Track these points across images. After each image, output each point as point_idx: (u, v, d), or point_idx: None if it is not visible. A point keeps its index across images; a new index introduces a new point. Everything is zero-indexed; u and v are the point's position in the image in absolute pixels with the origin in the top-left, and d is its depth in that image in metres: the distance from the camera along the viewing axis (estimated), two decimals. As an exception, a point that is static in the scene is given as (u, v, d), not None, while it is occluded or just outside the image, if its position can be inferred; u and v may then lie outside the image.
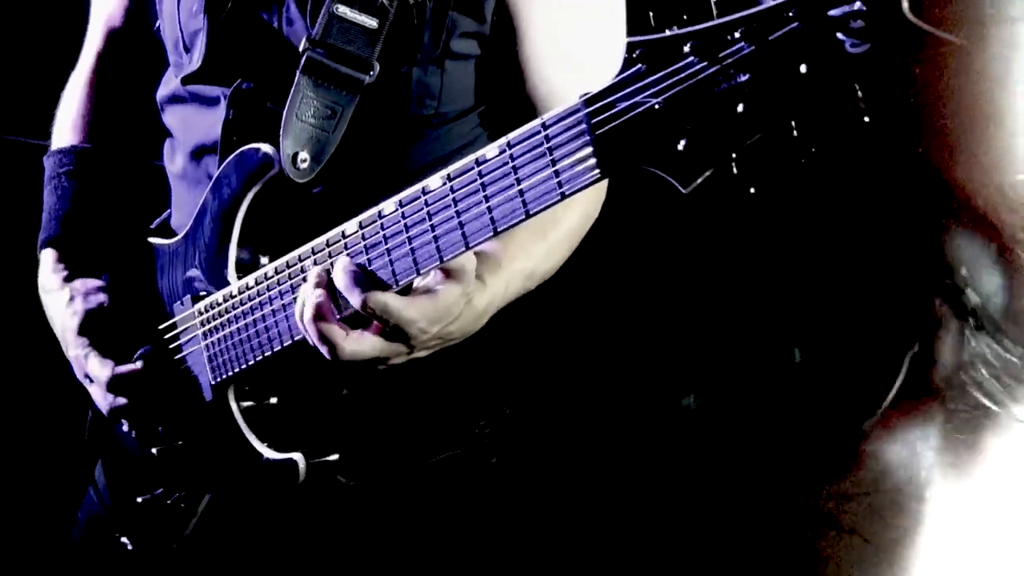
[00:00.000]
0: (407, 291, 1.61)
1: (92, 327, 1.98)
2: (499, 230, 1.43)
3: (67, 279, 2.04)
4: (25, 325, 3.16)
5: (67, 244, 2.07)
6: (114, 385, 1.94)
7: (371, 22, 1.77)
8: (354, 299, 1.57)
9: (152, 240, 2.02)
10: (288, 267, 1.72)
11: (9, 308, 3.18)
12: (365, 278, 1.58)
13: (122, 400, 1.96)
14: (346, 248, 1.63)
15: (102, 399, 1.98)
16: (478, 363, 1.92)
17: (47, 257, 2.09)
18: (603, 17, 1.83)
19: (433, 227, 1.50)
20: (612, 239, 1.96)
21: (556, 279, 1.89)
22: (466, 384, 1.94)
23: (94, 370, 1.95)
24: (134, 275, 2.02)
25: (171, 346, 1.95)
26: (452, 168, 1.49)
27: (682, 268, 2.70)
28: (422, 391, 1.90)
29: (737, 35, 1.19)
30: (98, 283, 2.02)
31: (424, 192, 1.52)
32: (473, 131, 1.90)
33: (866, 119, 1.17)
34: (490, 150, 1.44)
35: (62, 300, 2.02)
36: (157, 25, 2.12)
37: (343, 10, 1.77)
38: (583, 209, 1.86)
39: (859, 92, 1.16)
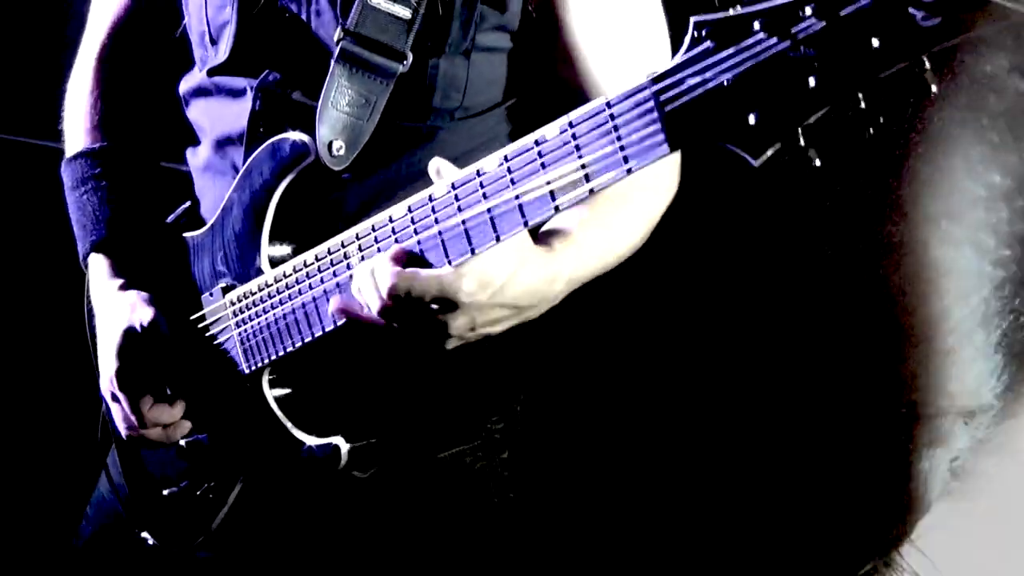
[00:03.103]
0: None
1: (131, 352, 1.96)
2: (561, 207, 1.45)
3: (122, 287, 2.02)
4: (30, 321, 3.15)
5: (115, 247, 2.06)
6: (132, 437, 2.00)
7: (404, 12, 1.79)
8: (384, 287, 1.57)
9: (183, 234, 2.02)
10: (330, 253, 1.74)
11: (12, 304, 3.16)
12: (399, 267, 1.58)
13: (136, 439, 2.00)
14: (393, 232, 1.64)
15: (120, 425, 2.00)
16: (493, 358, 1.94)
17: (99, 263, 2.06)
18: (642, 7, 1.86)
19: (489, 208, 1.52)
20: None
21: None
22: (481, 380, 1.96)
23: (118, 410, 1.98)
24: (169, 271, 2.02)
25: (202, 337, 1.95)
26: (509, 149, 1.51)
27: (695, 266, 2.73)
28: (438, 385, 1.91)
29: (808, 11, 1.23)
30: (147, 296, 1.99)
31: (479, 174, 1.54)
32: (497, 126, 1.93)
33: (934, 90, 1.22)
34: (550, 129, 1.46)
35: (113, 312, 2.00)
36: (169, 20, 2.13)
37: (377, 0, 1.79)
38: (657, 190, 1.85)
39: (928, 64, 1.21)
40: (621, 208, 1.76)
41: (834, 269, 2.59)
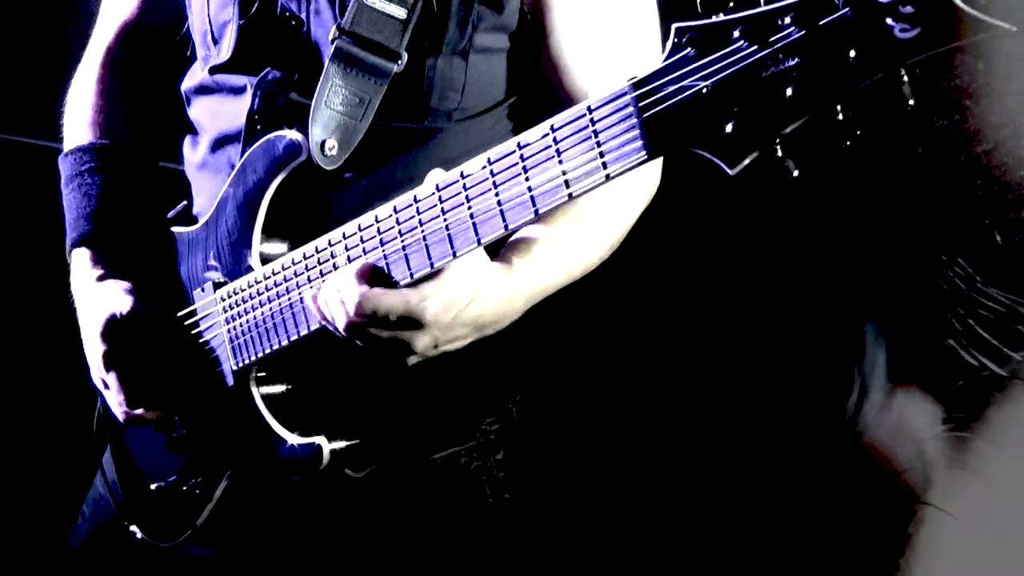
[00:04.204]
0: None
1: (118, 333, 1.97)
2: (540, 211, 1.46)
3: (101, 279, 2.03)
4: (28, 321, 3.17)
5: (100, 242, 2.07)
6: (129, 418, 2.00)
7: (399, 12, 1.79)
8: (351, 305, 1.61)
9: (174, 229, 2.03)
10: (317, 251, 1.74)
11: (10, 303, 3.18)
12: (364, 286, 1.63)
13: (134, 419, 2.00)
14: (379, 232, 1.65)
15: (116, 409, 2.01)
16: (488, 359, 1.94)
17: (82, 256, 2.07)
18: (635, 14, 1.86)
19: (471, 209, 1.53)
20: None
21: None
22: (476, 381, 1.95)
23: (111, 393, 1.99)
24: (159, 266, 2.03)
25: (192, 332, 1.96)
26: (492, 152, 1.51)
27: (691, 267, 2.72)
28: (433, 386, 1.91)
29: (787, 20, 1.23)
30: (127, 286, 2.01)
31: (463, 176, 1.54)
32: (495, 126, 1.92)
33: (911, 103, 1.21)
34: (532, 133, 1.46)
35: (93, 301, 2.01)
36: (178, 21, 2.14)
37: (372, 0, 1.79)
38: (627, 198, 1.86)
39: (905, 77, 1.20)
40: (586, 220, 1.78)
41: (830, 267, 2.58)
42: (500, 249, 1.74)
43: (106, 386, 2.00)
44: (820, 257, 2.57)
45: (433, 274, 1.61)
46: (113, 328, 1.97)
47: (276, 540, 2.01)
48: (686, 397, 2.73)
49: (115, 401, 2.00)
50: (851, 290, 2.55)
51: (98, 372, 2.00)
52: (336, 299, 1.64)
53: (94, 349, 1.99)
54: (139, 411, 1.98)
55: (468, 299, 1.63)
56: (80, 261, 2.07)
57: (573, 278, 1.81)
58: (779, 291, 2.63)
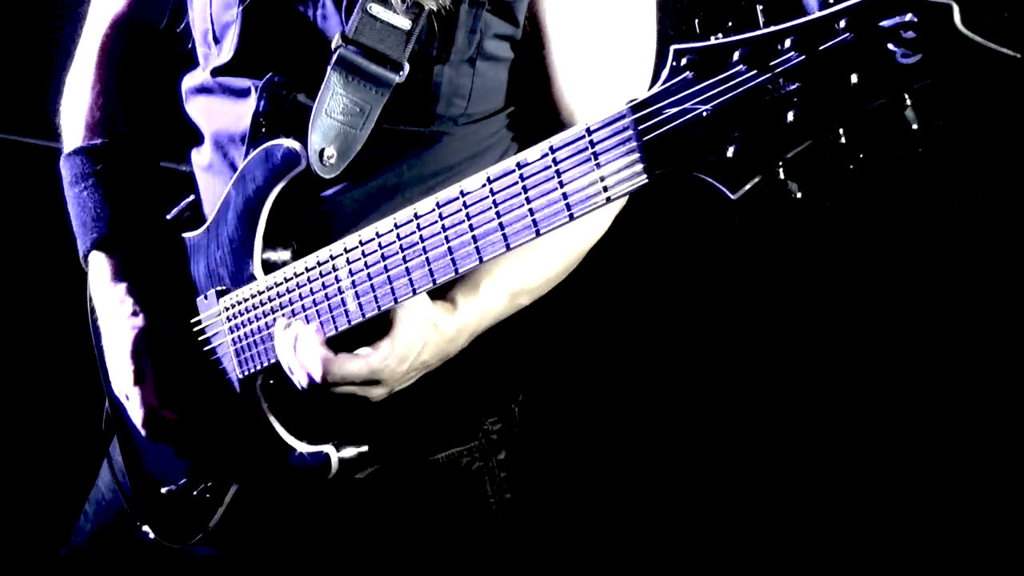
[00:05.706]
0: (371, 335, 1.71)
1: (145, 349, 1.96)
2: (542, 231, 1.45)
3: (127, 291, 2.01)
4: (31, 320, 3.17)
5: (118, 245, 2.04)
6: (151, 420, 1.97)
7: (403, 23, 1.77)
8: (316, 372, 1.69)
9: (182, 234, 2.02)
10: (319, 264, 1.74)
11: (12, 302, 3.18)
12: (326, 351, 1.70)
13: (156, 431, 1.98)
14: (380, 247, 1.65)
15: (139, 422, 1.99)
16: (490, 360, 1.94)
17: (101, 260, 2.04)
18: (632, 34, 1.84)
19: (473, 230, 1.52)
20: (618, 240, 1.96)
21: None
22: (477, 381, 1.95)
23: (135, 398, 1.97)
24: (171, 271, 2.01)
25: (199, 339, 1.96)
26: (492, 170, 1.50)
27: (688, 266, 2.71)
28: (435, 387, 1.91)
29: (787, 44, 1.21)
30: (153, 300, 2.00)
31: (463, 193, 1.53)
32: (498, 133, 1.91)
33: (915, 127, 1.20)
34: (531, 153, 1.45)
35: (119, 314, 1.99)
36: (170, 15, 2.12)
37: (377, 9, 1.77)
38: (583, 226, 1.86)
39: (908, 101, 1.19)
40: (540, 248, 1.79)
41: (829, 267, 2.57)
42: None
43: (128, 399, 1.98)
44: (819, 257, 2.56)
45: (385, 331, 1.70)
46: (142, 346, 1.96)
47: (280, 540, 2.02)
48: (687, 397, 2.74)
49: (138, 416, 1.98)
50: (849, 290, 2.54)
51: (123, 386, 1.98)
52: (296, 363, 1.72)
53: (122, 365, 1.98)
54: (160, 424, 1.97)
55: (419, 349, 1.72)
56: (100, 267, 2.04)
57: (520, 306, 1.86)
58: (778, 290, 2.62)
